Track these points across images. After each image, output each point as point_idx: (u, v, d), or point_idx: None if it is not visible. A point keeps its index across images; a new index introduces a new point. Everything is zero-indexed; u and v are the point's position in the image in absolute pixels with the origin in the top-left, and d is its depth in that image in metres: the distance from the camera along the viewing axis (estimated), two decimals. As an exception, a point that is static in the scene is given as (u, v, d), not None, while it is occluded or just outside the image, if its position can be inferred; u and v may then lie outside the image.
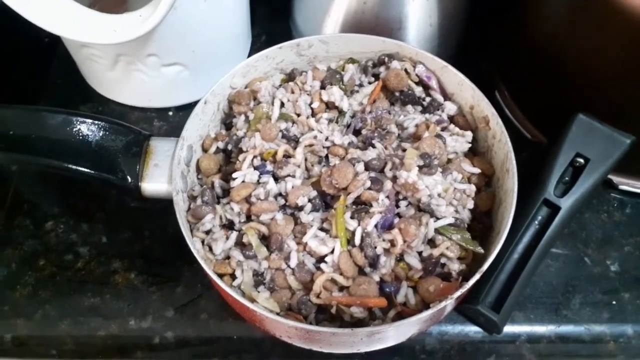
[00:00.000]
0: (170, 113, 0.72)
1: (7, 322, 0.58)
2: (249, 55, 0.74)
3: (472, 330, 0.59)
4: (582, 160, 0.58)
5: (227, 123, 0.59)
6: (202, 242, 0.52)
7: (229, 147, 0.56)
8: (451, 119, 0.57)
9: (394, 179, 0.50)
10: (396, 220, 0.49)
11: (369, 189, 0.49)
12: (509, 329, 0.58)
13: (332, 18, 0.66)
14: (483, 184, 0.55)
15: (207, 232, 0.52)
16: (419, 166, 0.49)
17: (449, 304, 0.45)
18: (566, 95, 0.62)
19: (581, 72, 0.59)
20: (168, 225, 0.61)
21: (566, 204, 0.57)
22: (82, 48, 0.66)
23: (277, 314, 0.47)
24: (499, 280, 0.56)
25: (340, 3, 0.65)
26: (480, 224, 0.53)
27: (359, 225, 0.48)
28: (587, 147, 0.58)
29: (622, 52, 0.54)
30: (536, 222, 0.58)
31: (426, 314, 0.44)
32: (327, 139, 0.54)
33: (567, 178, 0.58)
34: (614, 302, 0.60)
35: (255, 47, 0.77)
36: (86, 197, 0.66)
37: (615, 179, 0.65)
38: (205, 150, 0.57)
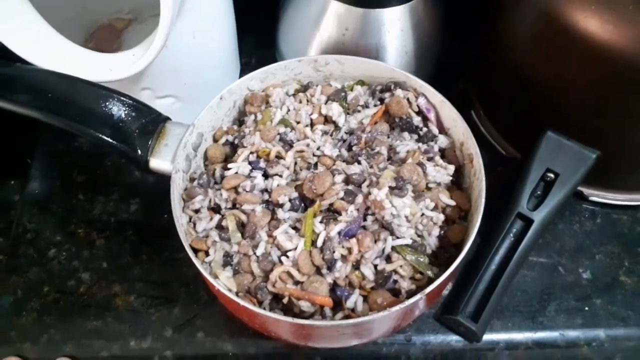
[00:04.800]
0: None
1: (14, 346, 0.61)
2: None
3: (454, 339, 0.62)
4: (552, 175, 0.61)
5: (241, 120, 0.65)
6: (190, 219, 0.57)
7: (236, 141, 0.62)
8: (443, 152, 0.61)
9: (368, 194, 0.54)
10: (360, 231, 0.53)
11: (342, 199, 0.54)
12: (488, 336, 0.61)
13: (314, 48, 0.71)
14: (457, 216, 0.57)
15: (196, 211, 0.58)
16: (390, 187, 0.53)
17: (383, 316, 0.48)
18: (536, 113, 0.65)
19: (549, 92, 0.62)
20: (165, 249, 0.66)
21: (539, 216, 0.60)
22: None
23: (237, 294, 0.52)
24: (477, 291, 0.60)
25: (322, 33, 0.69)
26: (447, 254, 0.55)
27: (324, 229, 0.52)
28: (556, 162, 0.61)
29: (582, 74, 0.58)
30: (511, 234, 0.61)
31: (359, 320, 0.48)
32: (318, 148, 0.59)
33: (539, 192, 0.61)
34: (586, 308, 0.63)
35: (244, 75, 0.79)
36: (86, 225, 0.69)
37: (586, 190, 0.68)
38: (215, 140, 0.63)
